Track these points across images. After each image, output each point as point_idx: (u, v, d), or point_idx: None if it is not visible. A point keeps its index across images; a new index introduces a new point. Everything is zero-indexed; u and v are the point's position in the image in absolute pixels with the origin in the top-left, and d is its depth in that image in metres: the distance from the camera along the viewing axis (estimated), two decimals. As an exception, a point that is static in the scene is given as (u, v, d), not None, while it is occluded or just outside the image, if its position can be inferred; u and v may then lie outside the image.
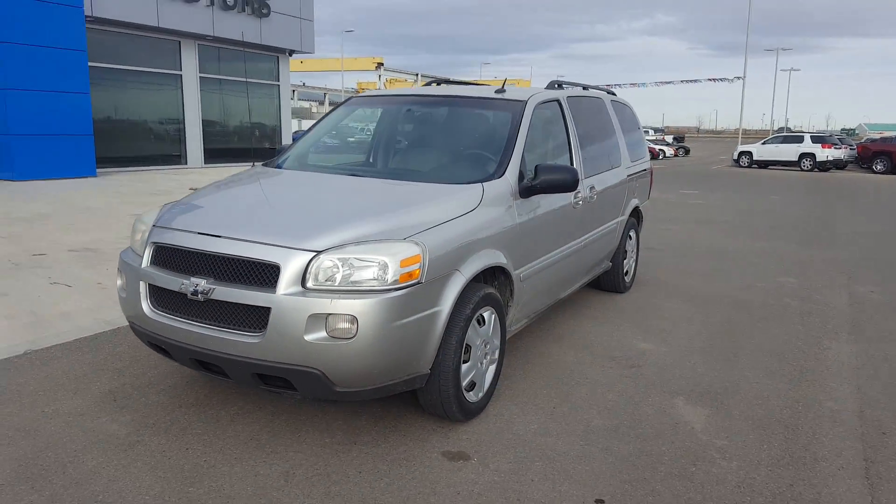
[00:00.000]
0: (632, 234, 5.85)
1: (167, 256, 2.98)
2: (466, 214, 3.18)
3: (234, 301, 2.73)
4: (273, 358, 2.69)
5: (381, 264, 2.69)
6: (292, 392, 2.83)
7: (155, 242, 3.03)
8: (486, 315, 3.30)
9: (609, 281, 5.71)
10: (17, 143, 11.18)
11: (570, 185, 3.65)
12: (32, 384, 3.50)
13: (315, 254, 2.70)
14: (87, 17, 12.01)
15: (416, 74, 48.27)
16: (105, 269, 5.82)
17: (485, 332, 3.28)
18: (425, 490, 2.67)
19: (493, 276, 3.49)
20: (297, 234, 2.79)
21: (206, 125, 15.84)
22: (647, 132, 60.95)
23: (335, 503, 2.56)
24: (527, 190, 3.62)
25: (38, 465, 2.75)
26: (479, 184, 3.41)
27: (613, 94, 6.10)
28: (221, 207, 3.24)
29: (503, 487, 2.71)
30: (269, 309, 2.66)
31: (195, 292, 2.77)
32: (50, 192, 10.23)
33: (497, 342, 3.46)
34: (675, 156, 41.90)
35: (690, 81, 54.12)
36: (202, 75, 15.30)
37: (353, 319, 2.62)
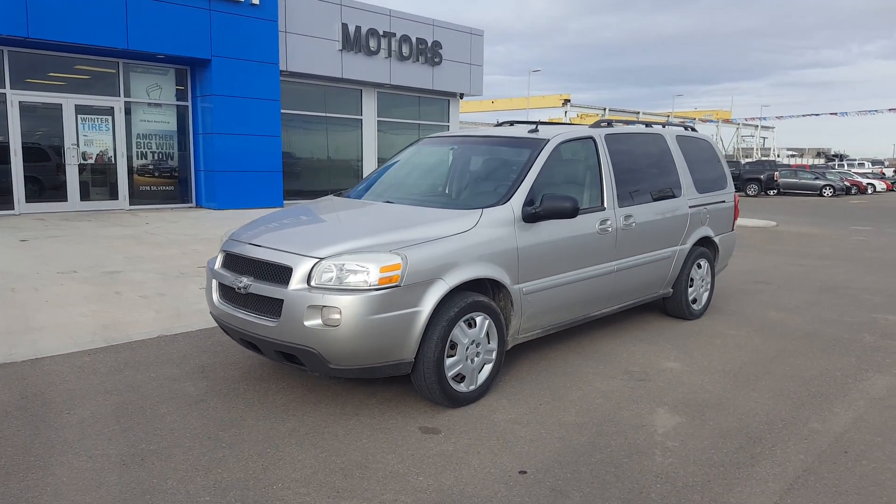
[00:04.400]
0: (702, 262, 6.00)
1: (229, 260, 4.03)
2: (459, 234, 3.87)
3: (262, 294, 3.69)
4: (285, 339, 3.59)
5: (365, 269, 3.49)
6: (303, 367, 3.70)
7: (224, 250, 4.11)
8: (478, 319, 3.93)
9: (674, 307, 5.93)
10: (220, 178, 13.66)
11: (569, 212, 4.17)
12: (152, 358, 4.76)
13: (318, 260, 3.57)
14: (281, 71, 14.35)
15: (605, 109, 48.41)
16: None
17: (474, 334, 3.91)
18: (388, 450, 3.37)
19: (494, 288, 4.11)
20: (310, 246, 3.69)
21: (382, 162, 17.78)
22: (861, 164, 54.71)
23: (316, 452, 3.35)
24: (531, 216, 4.20)
25: (128, 408, 3.88)
26: (480, 209, 4.07)
27: (690, 128, 6.34)
28: (272, 224, 4.24)
29: (450, 454, 3.33)
30: (282, 301, 3.58)
31: (240, 287, 3.78)
32: (238, 219, 12.38)
33: (494, 345, 4.06)
34: (890, 190, 37.35)
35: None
36: (380, 119, 17.26)
37: (339, 311, 3.44)
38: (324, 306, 3.46)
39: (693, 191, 5.83)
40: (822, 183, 31.23)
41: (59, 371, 4.47)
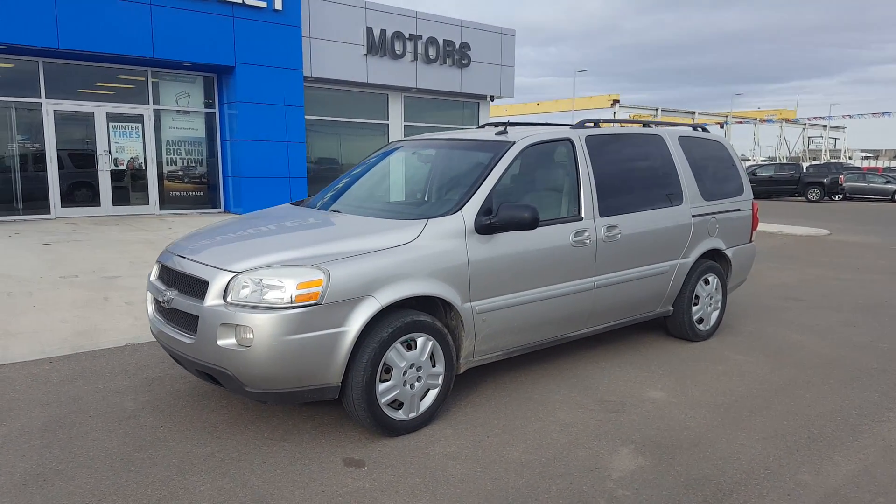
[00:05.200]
0: (709, 278, 5.46)
1: (162, 272, 3.80)
2: (397, 247, 3.51)
3: (182, 309, 3.43)
4: (201, 357, 3.32)
5: (280, 286, 3.18)
6: (225, 388, 3.42)
7: (158, 261, 3.88)
8: (419, 341, 3.57)
9: (676, 327, 5.40)
10: (246, 184, 13.67)
11: (528, 223, 3.77)
12: (109, 368, 4.58)
13: (235, 274, 3.28)
14: (305, 77, 14.29)
15: (657, 109, 47.04)
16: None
17: (414, 357, 3.55)
18: (300, 484, 3.05)
19: (446, 306, 3.74)
20: (229, 258, 3.40)
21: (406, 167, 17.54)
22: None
23: (223, 482, 3.06)
24: (486, 227, 3.81)
25: (59, 422, 3.68)
26: (424, 220, 3.71)
27: (701, 129, 5.81)
28: (205, 236, 3.97)
29: (365, 492, 2.98)
30: (198, 317, 3.30)
31: (165, 301, 3.53)
32: (265, 224, 12.36)
33: (440, 369, 3.69)
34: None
35: None
36: (406, 123, 17.03)
37: (251, 330, 3.14)
38: (237, 325, 3.18)
39: (698, 198, 5.30)
40: (893, 187, 29.26)
41: (12, 379, 4.36)
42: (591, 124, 4.86)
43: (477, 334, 3.86)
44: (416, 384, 3.60)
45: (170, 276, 3.68)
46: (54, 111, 12.20)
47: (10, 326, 5.42)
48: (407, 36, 15.87)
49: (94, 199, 12.89)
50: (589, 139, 4.61)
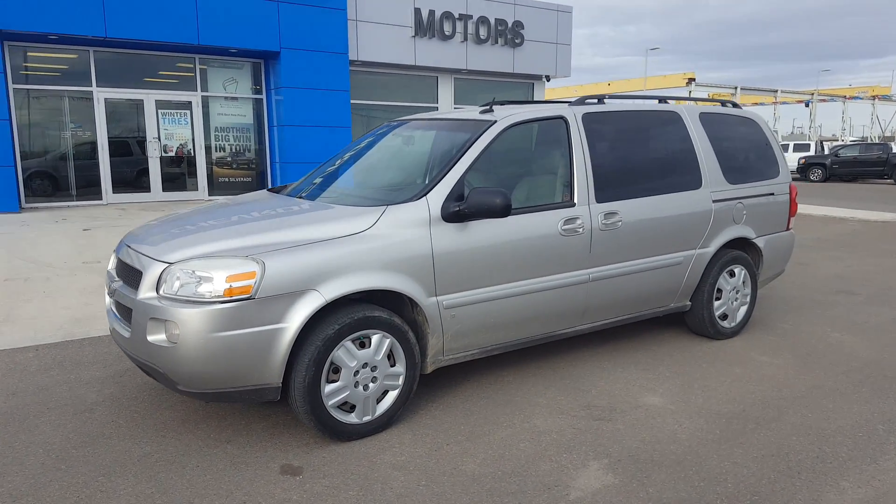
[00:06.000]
0: (735, 270, 4.91)
1: (116, 262, 3.65)
2: (348, 236, 3.23)
3: (122, 302, 3.26)
4: (136, 353, 3.15)
5: (210, 278, 2.95)
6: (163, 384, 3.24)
7: (114, 251, 3.74)
8: (374, 338, 3.28)
9: (695, 324, 4.90)
10: (292, 169, 13.69)
11: (498, 210, 3.40)
12: (90, 357, 4.52)
13: (167, 265, 3.08)
14: (352, 61, 14.14)
15: (736, 88, 44.64)
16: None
17: (367, 356, 3.26)
18: (224, 493, 2.83)
19: (409, 301, 3.44)
20: (167, 248, 3.20)
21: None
22: None
23: (146, 487, 2.88)
24: (454, 215, 3.47)
25: (15, 414, 3.61)
26: (383, 207, 3.40)
27: (731, 104, 5.22)
28: (162, 225, 3.78)
29: (287, 507, 2.73)
30: (131, 310, 3.13)
31: (110, 292, 3.38)
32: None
33: (400, 368, 3.39)
34: None
35: None
36: (457, 106, 16.66)
37: (178, 326, 2.93)
38: (166, 320, 2.98)
39: (721, 181, 4.75)
40: None
41: (-8, 368, 4.36)
42: (597, 101, 4.41)
43: (445, 331, 3.54)
44: (371, 385, 3.31)
45: (119, 266, 3.53)
46: (105, 99, 12.54)
47: (14, 312, 5.48)
48: (457, 16, 15.48)
49: (144, 186, 13.22)
50: (587, 117, 4.16)
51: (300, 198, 4.00)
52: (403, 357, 3.40)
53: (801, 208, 14.08)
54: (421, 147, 4.24)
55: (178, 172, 13.62)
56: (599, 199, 4.07)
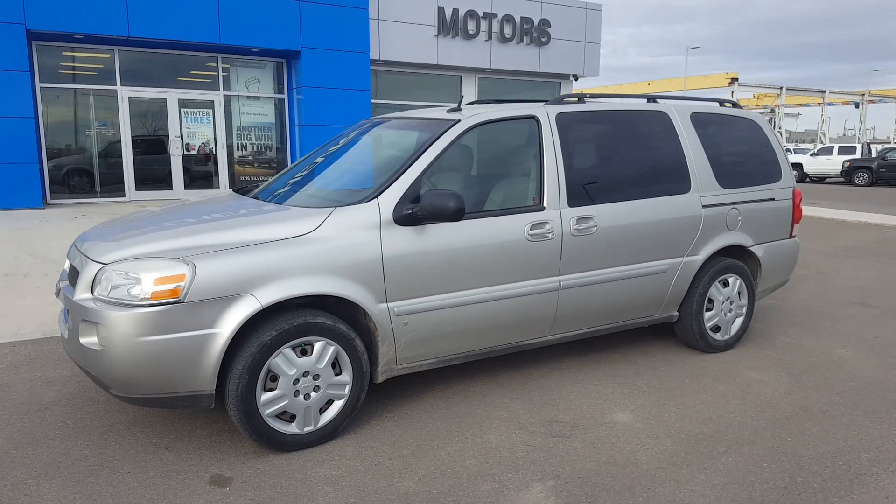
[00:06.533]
0: (729, 279, 4.63)
1: (68, 263, 3.61)
2: (289, 239, 3.11)
3: (63, 302, 3.21)
4: (72, 354, 3.09)
5: (137, 280, 2.87)
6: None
7: (68, 251, 3.70)
8: (316, 346, 3.16)
9: (685, 335, 4.64)
10: (311, 168, 13.75)
11: (450, 213, 3.24)
12: (63, 354, 4.51)
13: (102, 266, 3.01)
14: (373, 60, 14.09)
15: (781, 88, 43.33)
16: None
17: (308, 364, 3.14)
18: (148, 501, 2.74)
19: (360, 308, 3.31)
20: (104, 248, 3.13)
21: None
22: None
23: (70, 493, 2.81)
24: (406, 218, 3.32)
25: (-29, 412, 3.61)
26: (330, 208, 3.27)
27: (732, 104, 4.95)
28: (110, 225, 3.72)
29: (204, 521, 2.63)
30: (69, 311, 3.07)
31: (56, 291, 3.33)
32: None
33: (346, 377, 3.26)
34: None
35: None
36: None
37: (106, 329, 2.85)
38: (96, 323, 2.90)
39: (712, 185, 4.49)
40: None
41: (-34, 364, 4.38)
42: (577, 100, 4.21)
43: (398, 340, 3.39)
44: (313, 394, 3.19)
45: (70, 266, 3.49)
46: (129, 98, 12.75)
47: (4, 307, 5.53)
48: (481, 14, 15.29)
49: (167, 183, 13.40)
50: (561, 117, 3.96)
51: (257, 198, 3.91)
52: (350, 365, 3.27)
53: (835, 214, 13.47)
54: (388, 147, 4.09)
55: (201, 171, 13.77)
56: (572, 204, 3.87)
